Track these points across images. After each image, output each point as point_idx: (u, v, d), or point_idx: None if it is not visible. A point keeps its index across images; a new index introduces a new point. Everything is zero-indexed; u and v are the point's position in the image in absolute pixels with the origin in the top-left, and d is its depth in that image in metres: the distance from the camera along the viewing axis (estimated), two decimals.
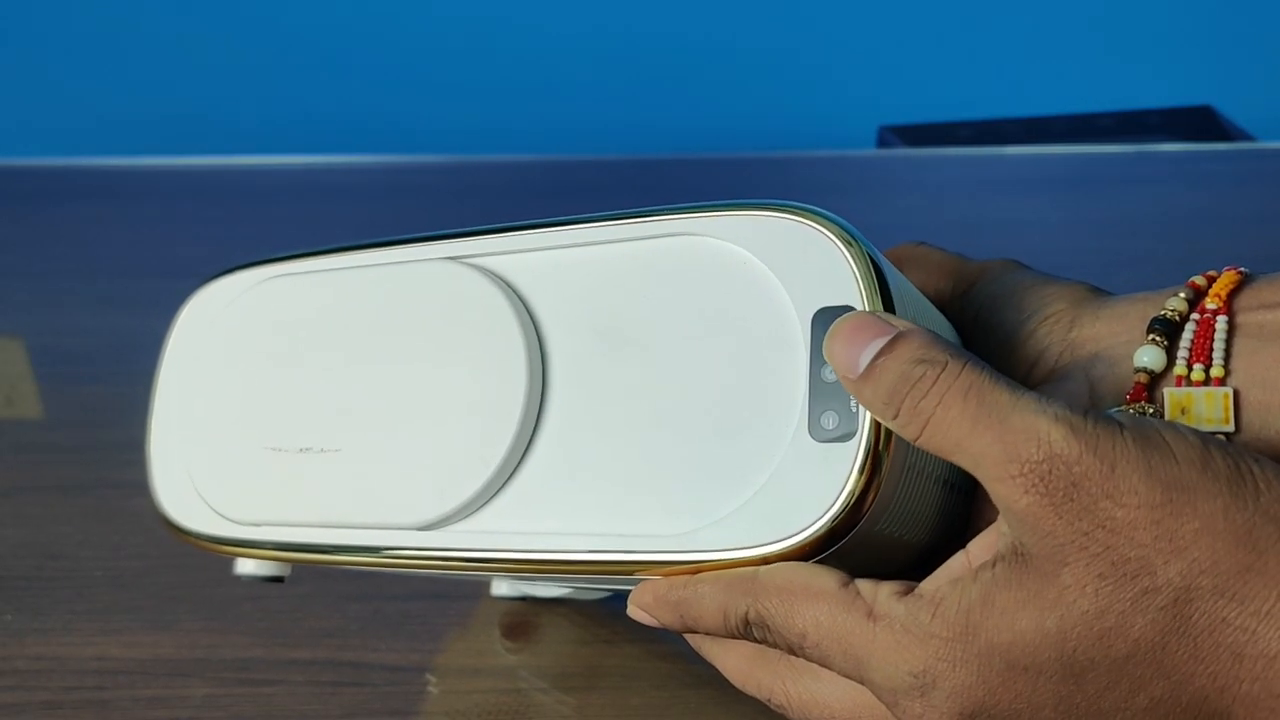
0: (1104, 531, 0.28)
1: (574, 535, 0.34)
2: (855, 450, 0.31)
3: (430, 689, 0.44)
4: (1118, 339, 0.36)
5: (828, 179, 0.89)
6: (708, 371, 0.33)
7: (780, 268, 0.33)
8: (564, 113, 1.88)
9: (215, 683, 0.44)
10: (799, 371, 0.32)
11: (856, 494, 0.31)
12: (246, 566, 0.40)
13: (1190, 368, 0.34)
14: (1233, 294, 0.35)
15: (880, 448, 0.31)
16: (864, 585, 0.31)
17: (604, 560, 0.33)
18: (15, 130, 1.87)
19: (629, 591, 0.35)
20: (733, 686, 0.35)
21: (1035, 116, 1.77)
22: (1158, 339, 0.35)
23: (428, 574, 0.41)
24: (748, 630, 0.32)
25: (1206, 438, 0.29)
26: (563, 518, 0.34)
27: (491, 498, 0.35)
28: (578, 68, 1.89)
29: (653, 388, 0.34)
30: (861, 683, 0.31)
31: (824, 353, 0.31)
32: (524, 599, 0.46)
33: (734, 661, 0.35)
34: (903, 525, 0.33)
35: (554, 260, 0.37)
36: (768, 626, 0.32)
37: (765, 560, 0.31)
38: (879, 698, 0.31)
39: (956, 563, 0.31)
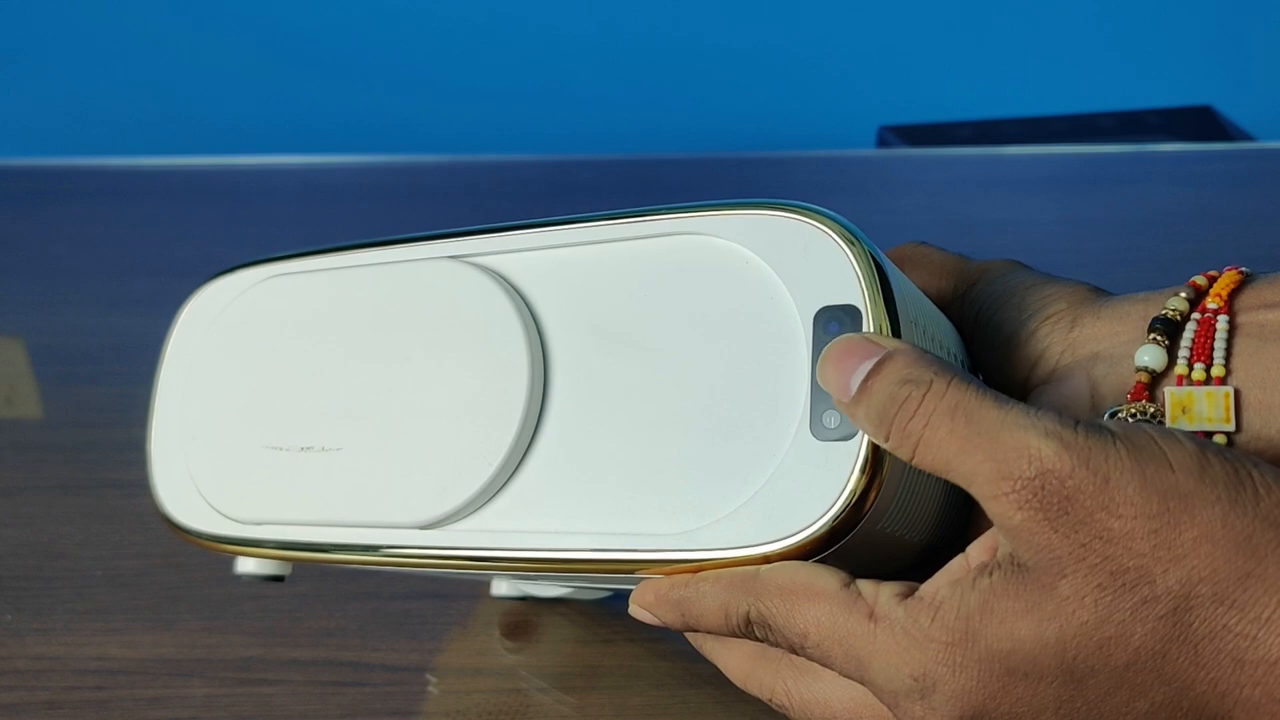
0: (1101, 543, 0.28)
1: (575, 534, 0.34)
2: (857, 449, 0.31)
3: (430, 689, 0.44)
4: (1119, 338, 0.36)
5: (828, 179, 0.89)
6: (710, 370, 0.33)
7: (782, 267, 0.33)
8: (564, 113, 1.88)
9: (215, 683, 0.44)
10: (801, 370, 0.32)
11: (858, 493, 0.31)
12: (247, 565, 0.40)
13: (1191, 367, 0.34)
14: (1233, 294, 0.35)
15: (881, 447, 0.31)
16: (865, 586, 0.31)
17: (605, 559, 0.33)
18: (15, 130, 1.87)
19: (629, 591, 0.35)
20: (733, 686, 0.35)
21: (1035, 116, 1.77)
22: (1159, 338, 0.35)
23: (429, 573, 0.42)
24: (749, 629, 0.32)
25: (1204, 443, 0.29)
26: (564, 516, 0.34)
27: (493, 496, 0.35)
28: (578, 68, 1.89)
29: (654, 387, 0.34)
30: (862, 683, 0.31)
31: (818, 377, 0.31)
32: (524, 599, 0.46)
33: (735, 661, 0.35)
34: (904, 524, 0.33)
35: (555, 259, 0.37)
36: (769, 626, 0.32)
37: (767, 559, 0.31)
38: (880, 699, 0.31)
39: (957, 565, 0.31)
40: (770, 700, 0.34)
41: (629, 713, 0.42)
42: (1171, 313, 0.35)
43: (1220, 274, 0.36)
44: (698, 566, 0.32)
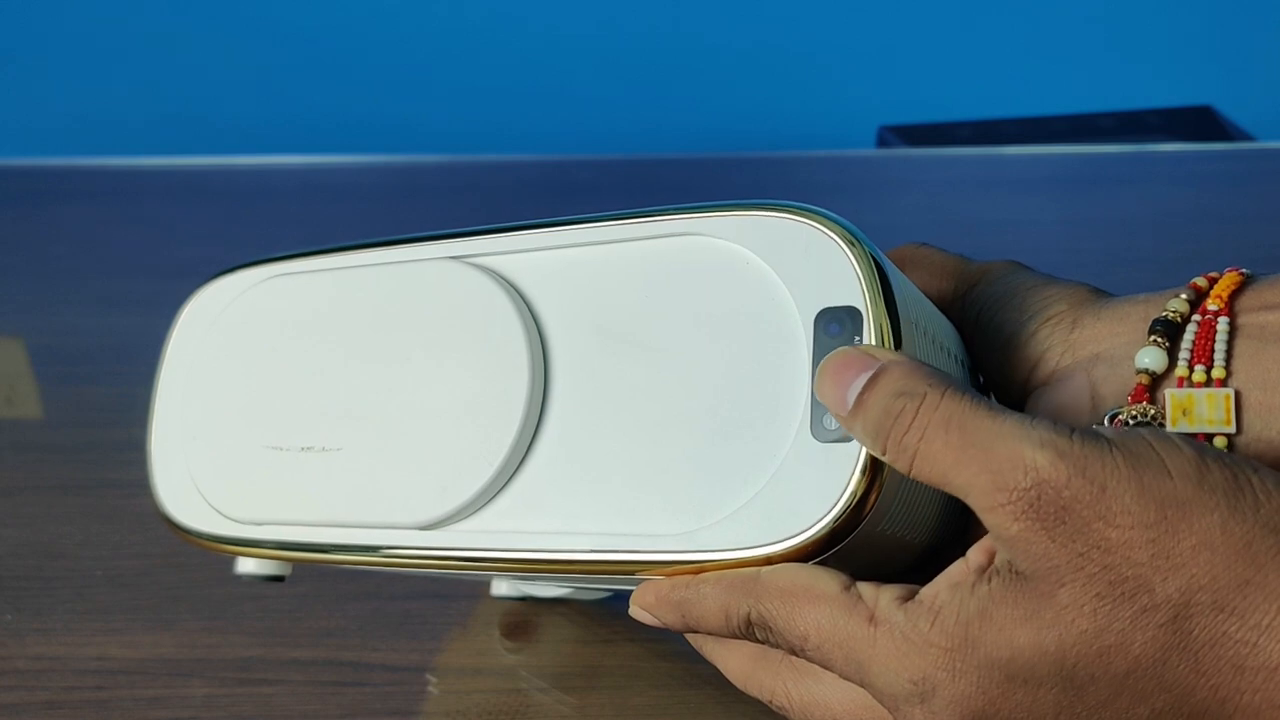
0: (1099, 552, 0.28)
1: (576, 535, 0.34)
2: (858, 451, 0.31)
3: (430, 689, 0.44)
4: (1119, 340, 0.36)
5: (828, 179, 0.89)
6: (710, 371, 0.33)
7: (783, 268, 0.33)
8: (564, 113, 1.88)
9: (215, 683, 0.44)
10: (801, 372, 0.32)
11: (859, 495, 0.31)
12: (247, 566, 0.40)
13: (1191, 369, 0.34)
14: (1234, 295, 0.35)
15: None
16: (865, 589, 0.31)
17: (606, 560, 0.33)
18: (15, 130, 1.87)
19: (630, 591, 0.35)
20: (733, 687, 0.35)
21: (1035, 116, 1.77)
22: (1159, 340, 0.34)
23: (429, 573, 0.41)
24: (749, 631, 0.32)
25: (1203, 448, 0.28)
26: (564, 517, 0.34)
27: (493, 497, 0.35)
28: (578, 68, 1.89)
29: (655, 387, 0.34)
30: (863, 686, 0.31)
31: (816, 391, 0.31)
32: (524, 599, 0.46)
33: (735, 662, 0.35)
34: (905, 525, 0.33)
35: (556, 260, 0.37)
36: (769, 628, 0.32)
37: (768, 560, 0.31)
38: (880, 702, 0.31)
39: (957, 569, 0.31)
40: (770, 702, 0.34)
41: (629, 713, 0.42)
42: (1172, 314, 0.35)
43: (1221, 275, 0.36)
44: (698, 568, 0.32)
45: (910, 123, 1.80)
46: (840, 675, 0.31)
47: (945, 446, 0.29)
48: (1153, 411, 0.34)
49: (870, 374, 0.30)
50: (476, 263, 0.38)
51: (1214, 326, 0.34)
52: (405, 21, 1.89)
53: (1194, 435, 0.34)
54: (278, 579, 0.40)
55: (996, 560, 0.30)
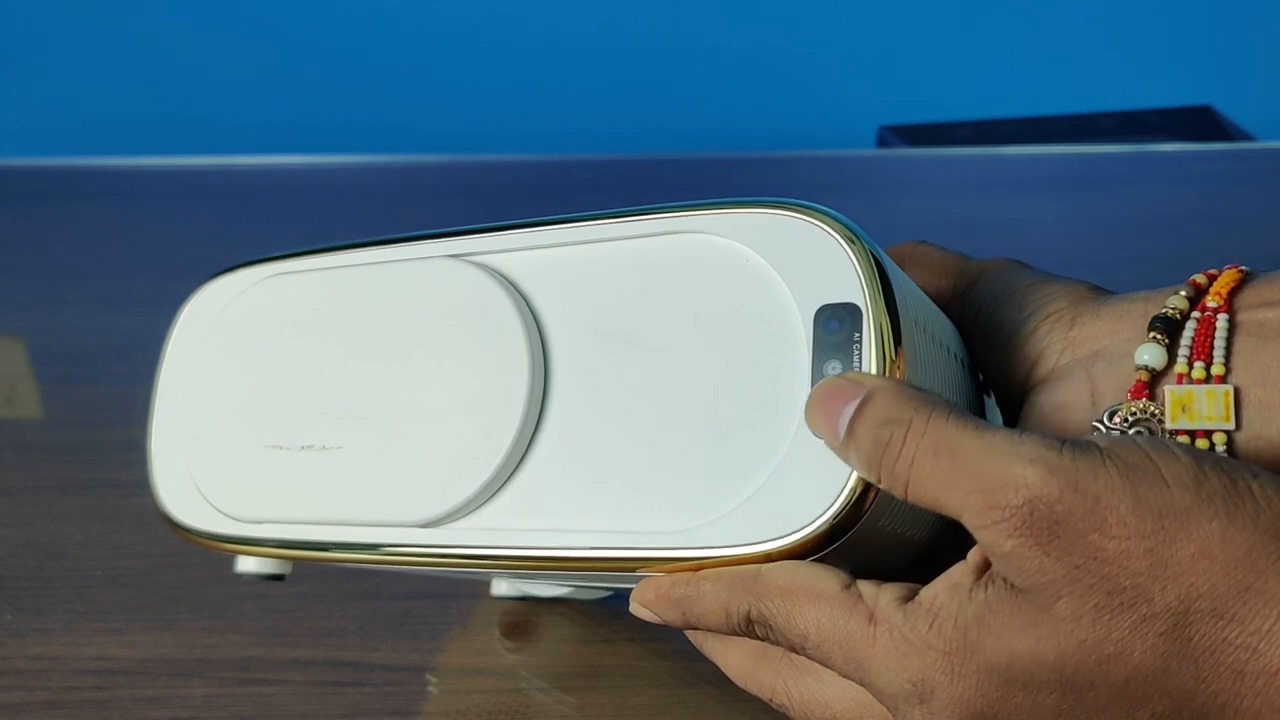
0: (1096, 563, 0.27)
1: (576, 532, 0.34)
2: None
3: (430, 689, 0.44)
4: (1118, 337, 0.36)
5: (828, 179, 0.89)
6: (710, 368, 0.33)
7: (783, 265, 0.33)
8: (564, 113, 1.88)
9: (215, 683, 0.44)
10: (801, 368, 0.32)
11: (858, 491, 0.31)
12: (247, 564, 0.40)
13: (1191, 365, 0.34)
14: (1233, 292, 0.35)
15: None
16: (866, 588, 0.31)
17: (606, 557, 0.33)
18: (15, 130, 1.87)
19: (629, 590, 0.35)
20: (733, 685, 0.35)
21: (1035, 116, 1.77)
22: (1159, 337, 0.34)
23: (429, 572, 0.41)
24: (750, 629, 0.32)
25: (1200, 455, 0.28)
26: (565, 514, 0.34)
27: (493, 495, 0.35)
28: (578, 68, 1.89)
29: (655, 385, 0.34)
30: (862, 685, 0.31)
31: (808, 424, 0.31)
32: (524, 599, 0.46)
33: (735, 660, 0.35)
34: (905, 522, 0.33)
35: (556, 258, 0.37)
36: (770, 626, 0.32)
37: (768, 557, 0.31)
38: (880, 701, 0.31)
39: (956, 570, 0.31)
40: (770, 700, 0.34)
41: (629, 712, 0.42)
42: (1171, 311, 0.35)
43: (1220, 272, 0.36)
44: (698, 565, 0.32)
45: (910, 123, 1.80)
46: (840, 674, 0.31)
47: (935, 470, 0.29)
48: (1152, 408, 0.34)
49: (857, 402, 0.30)
50: (476, 261, 0.38)
51: (1213, 323, 0.34)
52: (405, 21, 1.89)
53: (1193, 432, 0.34)
54: (278, 578, 0.40)
55: (993, 568, 0.30)
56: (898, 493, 0.30)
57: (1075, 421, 0.35)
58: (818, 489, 0.31)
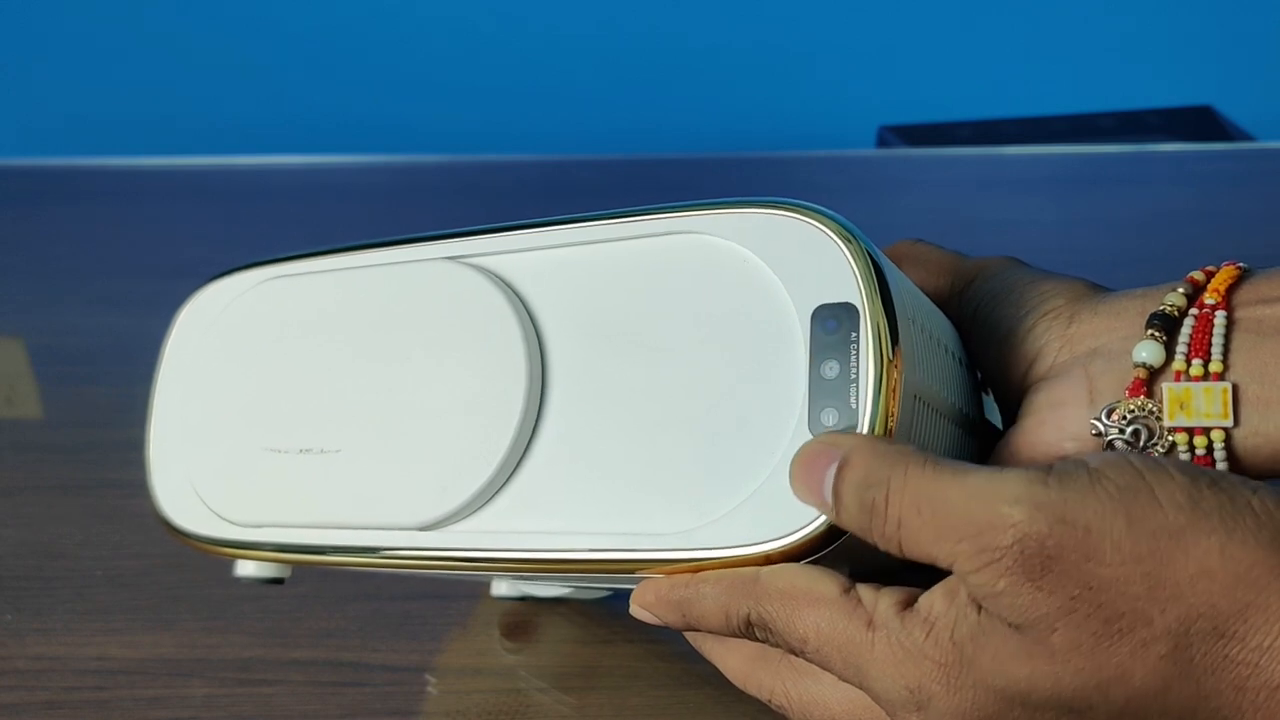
0: (1092, 592, 0.27)
1: (575, 534, 0.34)
2: None
3: (430, 689, 0.44)
4: (1116, 334, 0.36)
5: (827, 179, 0.89)
6: (707, 369, 0.33)
7: (780, 265, 0.33)
8: (564, 113, 1.88)
9: (215, 683, 0.44)
10: (798, 368, 0.32)
11: None
12: (246, 568, 0.40)
13: (1189, 363, 0.34)
14: (1231, 289, 0.35)
15: None
16: (865, 592, 0.31)
17: (605, 559, 0.33)
18: (15, 130, 1.87)
19: (629, 591, 0.35)
20: (733, 686, 0.35)
21: (1035, 116, 1.77)
22: (1156, 334, 0.34)
23: (428, 574, 0.41)
24: (749, 631, 0.32)
25: (1197, 473, 0.28)
26: (563, 517, 0.34)
27: (492, 497, 0.35)
28: (578, 68, 1.89)
29: (652, 386, 0.34)
30: (861, 689, 0.31)
31: (795, 494, 0.31)
32: (524, 599, 0.46)
33: (735, 661, 0.35)
34: None
35: (553, 259, 0.37)
36: (769, 629, 0.32)
37: (767, 557, 0.31)
38: (879, 705, 0.31)
39: (955, 578, 0.31)
40: (770, 701, 0.34)
41: (628, 713, 0.42)
42: (1169, 308, 0.35)
43: (1218, 269, 0.36)
44: (698, 566, 0.32)
45: (910, 123, 1.80)
46: (839, 678, 0.31)
47: (922, 526, 0.29)
48: (1150, 406, 0.34)
49: (835, 466, 0.30)
50: (473, 263, 0.38)
51: (1211, 320, 0.34)
52: (405, 21, 1.89)
53: (1191, 429, 0.33)
54: (277, 581, 0.40)
55: (986, 607, 0.30)
56: (894, 552, 0.30)
57: (1073, 419, 0.35)
58: None
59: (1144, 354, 0.34)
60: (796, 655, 0.32)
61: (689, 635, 0.36)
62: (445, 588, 0.48)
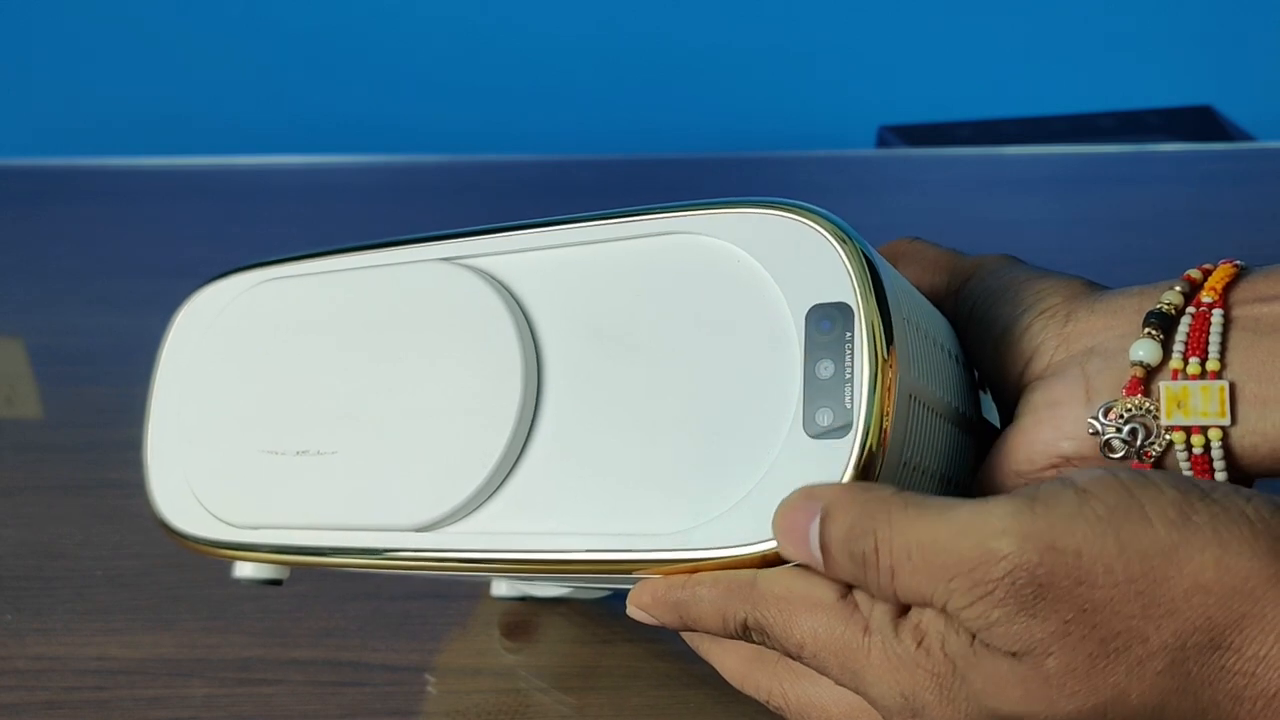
0: (1086, 615, 0.27)
1: (571, 535, 0.34)
2: (850, 446, 0.31)
3: (430, 689, 0.44)
4: (1113, 333, 0.35)
5: (827, 179, 0.89)
6: (703, 369, 0.33)
7: (774, 265, 0.33)
8: (564, 113, 1.88)
9: (215, 683, 0.44)
10: (793, 368, 0.32)
11: None
12: (245, 570, 0.40)
13: (1186, 361, 0.34)
14: (1228, 287, 0.35)
15: (876, 444, 0.31)
16: (861, 598, 0.31)
17: (601, 559, 0.33)
18: (15, 130, 1.87)
19: (628, 590, 0.35)
20: (731, 686, 0.35)
21: (1035, 116, 1.77)
22: (1153, 332, 0.34)
23: (427, 575, 0.42)
24: (746, 634, 0.32)
25: (1188, 486, 0.28)
26: (560, 517, 0.34)
27: (488, 498, 0.35)
28: (578, 68, 1.89)
29: (648, 386, 0.34)
30: (858, 693, 0.31)
31: (781, 552, 0.31)
32: (524, 599, 0.46)
33: (732, 662, 0.35)
34: None
35: (548, 260, 0.37)
36: (766, 634, 0.32)
37: (763, 558, 0.32)
38: (875, 709, 0.31)
39: None
40: (768, 701, 0.34)
41: (628, 713, 0.42)
42: (1166, 307, 0.35)
43: (1215, 267, 0.36)
44: (694, 566, 0.32)
45: (910, 123, 1.80)
46: (836, 682, 0.31)
47: (914, 572, 0.29)
48: (1147, 404, 0.34)
49: (818, 520, 0.30)
50: (468, 264, 0.38)
51: (1208, 319, 0.34)
52: (405, 21, 1.89)
53: (1189, 428, 0.33)
54: (275, 583, 0.41)
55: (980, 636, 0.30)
56: (888, 599, 0.30)
57: (1070, 418, 0.35)
58: None
59: (1141, 352, 0.34)
60: (793, 659, 0.32)
61: (686, 635, 0.36)
62: (445, 587, 0.48)
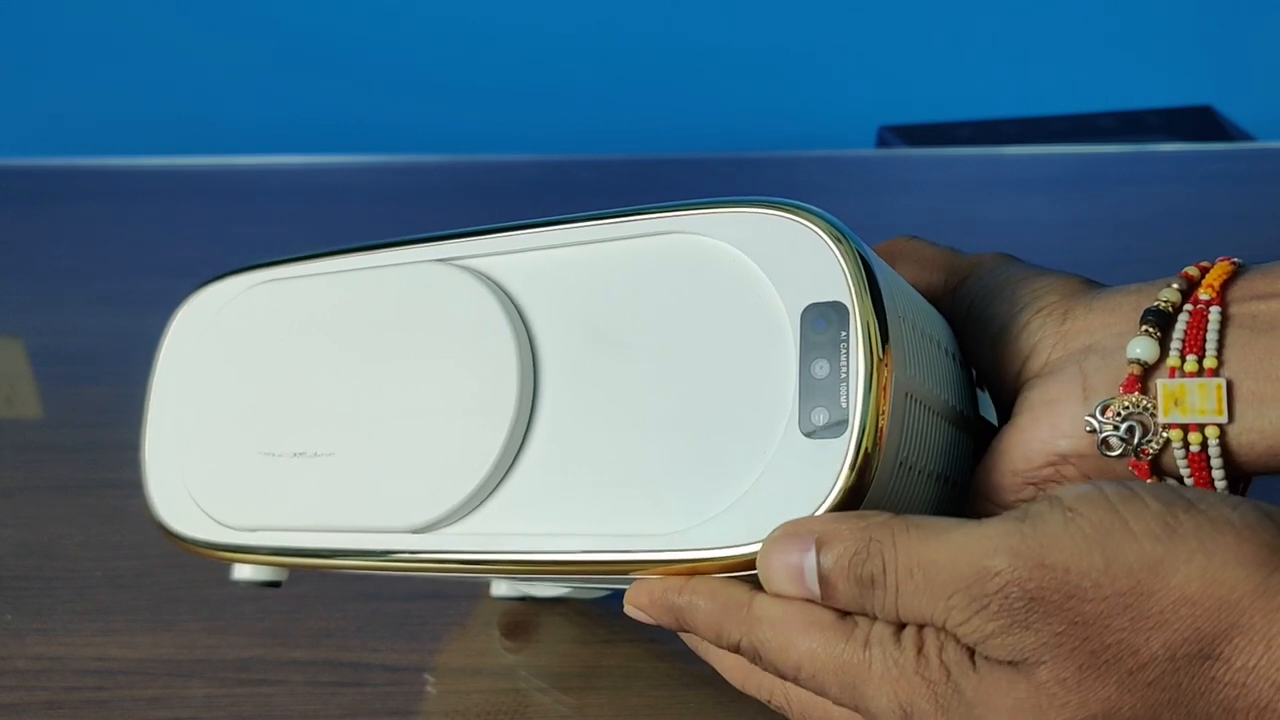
0: (1076, 627, 0.28)
1: (568, 535, 0.34)
2: (846, 445, 0.31)
3: (430, 689, 0.44)
4: (1111, 330, 0.35)
5: (827, 179, 0.89)
6: (698, 369, 0.33)
7: (769, 265, 0.33)
8: (564, 113, 1.88)
9: (215, 683, 0.44)
10: (789, 368, 0.32)
11: (848, 490, 0.31)
12: (243, 572, 0.40)
13: (1183, 359, 0.34)
14: (1226, 285, 0.35)
15: (871, 443, 0.31)
16: (860, 616, 0.31)
17: (598, 560, 0.33)
18: (15, 130, 1.87)
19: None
20: (732, 686, 0.35)
21: (1035, 116, 1.77)
22: (1151, 330, 0.34)
23: (425, 576, 0.42)
24: (740, 653, 0.32)
25: (1172, 498, 0.28)
26: (556, 518, 0.34)
27: (485, 499, 0.35)
28: (578, 68, 1.89)
29: (644, 386, 0.34)
30: (856, 710, 0.31)
31: (773, 590, 0.31)
32: (523, 599, 0.46)
33: (732, 662, 0.35)
34: None
35: (544, 260, 0.37)
36: (760, 656, 0.32)
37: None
38: None
39: None
40: (769, 702, 0.34)
41: (627, 712, 0.42)
42: (1164, 304, 0.35)
43: (1212, 265, 0.36)
44: (691, 568, 0.32)
45: (910, 123, 1.80)
46: (835, 701, 0.32)
47: (917, 590, 0.29)
48: (1145, 402, 0.34)
49: (811, 552, 0.30)
50: (464, 265, 0.38)
51: (1206, 316, 0.34)
52: (405, 21, 1.89)
53: (1186, 425, 0.33)
54: (274, 584, 0.41)
55: (979, 650, 0.30)
56: (889, 619, 0.30)
57: (1068, 416, 0.35)
58: (807, 489, 0.31)
59: (1138, 350, 0.34)
60: (789, 681, 0.32)
61: (685, 636, 0.36)
62: (445, 587, 0.48)
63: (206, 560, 0.40)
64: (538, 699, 0.43)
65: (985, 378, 0.39)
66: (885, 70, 1.89)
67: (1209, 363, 0.33)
